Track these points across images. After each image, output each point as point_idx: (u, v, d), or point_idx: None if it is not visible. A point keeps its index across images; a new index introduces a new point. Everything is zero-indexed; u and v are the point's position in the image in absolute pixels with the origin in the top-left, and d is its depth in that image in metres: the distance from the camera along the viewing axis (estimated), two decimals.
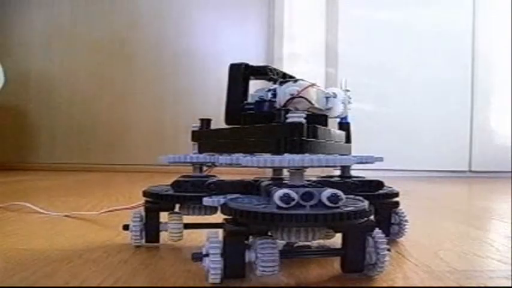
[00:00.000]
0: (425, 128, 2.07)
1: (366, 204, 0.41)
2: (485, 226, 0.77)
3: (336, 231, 0.45)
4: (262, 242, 0.39)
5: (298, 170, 0.41)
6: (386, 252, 0.40)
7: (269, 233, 0.41)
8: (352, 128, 0.58)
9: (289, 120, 0.41)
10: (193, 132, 0.58)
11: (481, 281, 0.42)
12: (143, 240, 0.54)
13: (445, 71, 2.08)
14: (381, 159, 0.56)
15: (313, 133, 0.42)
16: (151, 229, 0.54)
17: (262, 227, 0.40)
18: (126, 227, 0.55)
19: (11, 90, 2.22)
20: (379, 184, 0.55)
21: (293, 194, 0.37)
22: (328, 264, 0.46)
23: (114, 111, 2.29)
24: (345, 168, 0.58)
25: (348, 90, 0.55)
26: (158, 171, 1.93)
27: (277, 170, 0.54)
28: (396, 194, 0.58)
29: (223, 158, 0.47)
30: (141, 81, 2.29)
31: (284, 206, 0.37)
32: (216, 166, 0.55)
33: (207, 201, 0.44)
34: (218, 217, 0.53)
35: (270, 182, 0.49)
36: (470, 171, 2.09)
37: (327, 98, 0.52)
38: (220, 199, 0.44)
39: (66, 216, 0.75)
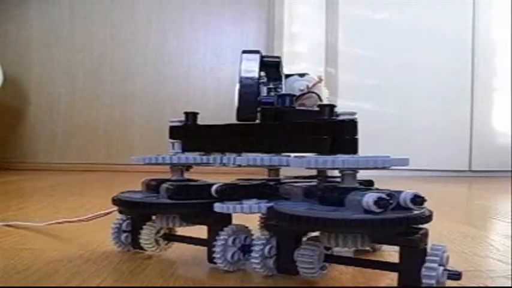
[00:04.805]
0: (425, 128, 2.07)
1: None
2: (485, 226, 0.77)
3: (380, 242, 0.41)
4: (305, 245, 0.39)
5: (353, 172, 0.39)
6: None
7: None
8: None
9: (341, 117, 0.38)
10: (173, 128, 0.50)
11: (481, 280, 0.42)
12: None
13: (445, 71, 2.07)
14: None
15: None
16: (134, 237, 0.51)
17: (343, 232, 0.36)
18: None
19: (11, 90, 2.22)
20: (370, 183, 0.54)
21: (387, 198, 0.35)
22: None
23: (113, 111, 2.29)
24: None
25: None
26: (159, 171, 1.93)
27: (273, 170, 0.50)
28: None
29: (243, 159, 0.42)
30: (141, 81, 2.29)
31: (378, 210, 0.34)
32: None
33: (220, 207, 0.41)
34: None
35: (307, 184, 0.43)
36: (470, 170, 2.09)
37: None
38: (235, 205, 0.40)
39: (7, 225, 0.66)
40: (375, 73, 2.07)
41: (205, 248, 0.46)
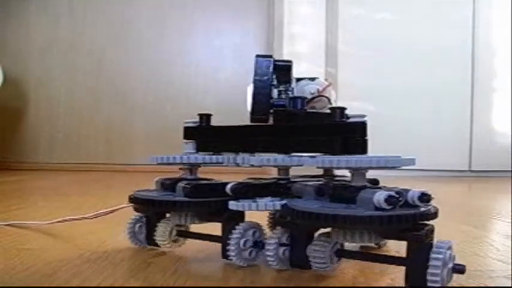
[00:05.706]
0: (425, 128, 2.07)
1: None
2: (485, 225, 0.77)
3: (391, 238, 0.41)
4: (317, 240, 0.40)
5: (361, 171, 0.40)
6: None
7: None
8: None
9: (351, 119, 0.41)
10: (188, 129, 0.52)
11: (481, 280, 0.42)
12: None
13: (446, 71, 2.08)
14: None
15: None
16: (148, 234, 0.52)
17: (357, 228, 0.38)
18: None
19: (11, 90, 2.22)
20: (376, 182, 0.54)
21: (396, 196, 0.36)
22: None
23: (113, 111, 2.29)
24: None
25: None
26: (159, 170, 1.93)
27: (283, 170, 0.51)
28: None
29: (257, 159, 0.43)
30: (141, 81, 2.29)
31: (389, 208, 0.36)
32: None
33: (235, 205, 0.42)
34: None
35: (319, 182, 0.44)
36: (470, 170, 2.09)
37: None
38: (250, 203, 0.42)
39: (7, 225, 0.66)
40: (375, 73, 2.07)
41: (207, 247, 0.47)
